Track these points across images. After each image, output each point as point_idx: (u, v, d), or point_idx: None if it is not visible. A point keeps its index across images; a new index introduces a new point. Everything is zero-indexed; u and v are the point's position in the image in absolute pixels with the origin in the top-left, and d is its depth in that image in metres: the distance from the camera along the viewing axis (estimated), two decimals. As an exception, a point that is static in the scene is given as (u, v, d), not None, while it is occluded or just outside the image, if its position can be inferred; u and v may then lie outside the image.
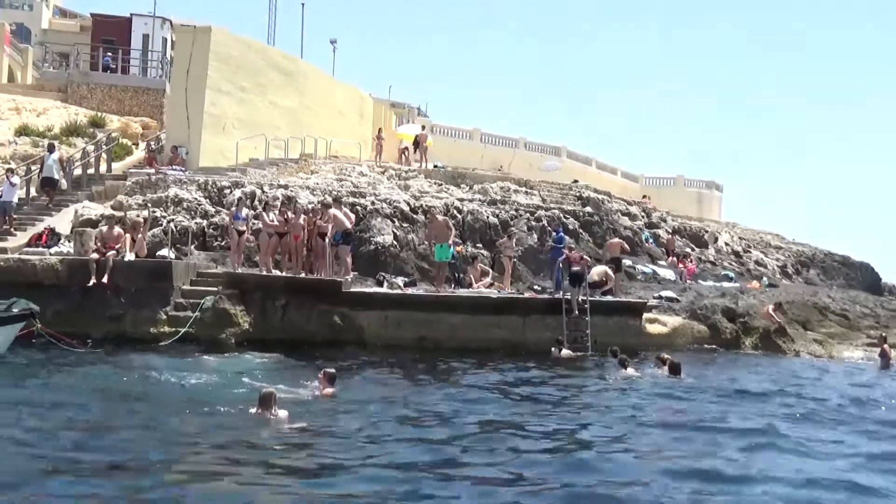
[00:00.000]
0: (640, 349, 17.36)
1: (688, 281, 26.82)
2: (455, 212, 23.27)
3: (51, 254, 18.69)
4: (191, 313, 16.10)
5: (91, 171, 24.82)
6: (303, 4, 31.43)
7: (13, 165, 22.31)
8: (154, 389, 11.21)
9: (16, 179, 20.34)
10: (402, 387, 12.35)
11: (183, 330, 15.57)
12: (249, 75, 27.44)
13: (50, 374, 12.24)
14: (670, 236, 30.32)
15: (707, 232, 35.52)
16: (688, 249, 31.17)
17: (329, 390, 10.57)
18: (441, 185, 28.57)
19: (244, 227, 18.01)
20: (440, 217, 18.63)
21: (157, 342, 15.60)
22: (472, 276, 20.29)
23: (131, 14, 71.88)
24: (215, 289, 16.75)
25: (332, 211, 17.33)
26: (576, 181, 32.89)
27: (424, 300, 17.13)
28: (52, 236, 19.70)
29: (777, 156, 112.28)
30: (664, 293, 20.74)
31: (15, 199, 20.18)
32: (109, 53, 36.75)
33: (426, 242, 20.18)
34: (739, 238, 39.19)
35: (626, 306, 18.25)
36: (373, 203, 22.30)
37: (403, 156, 33.47)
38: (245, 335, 15.91)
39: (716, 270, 31.41)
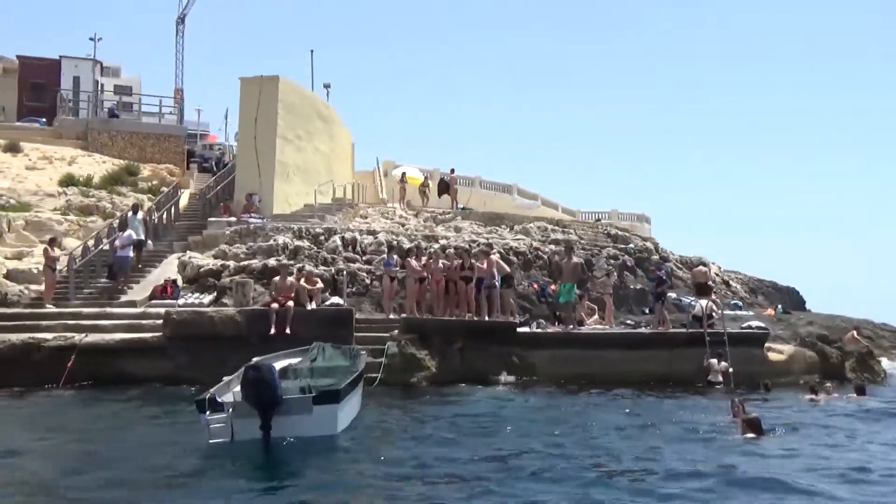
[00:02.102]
0: (763, 377, 18.80)
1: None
2: (540, 253, 24.23)
3: (179, 305, 18.53)
4: (372, 359, 16.36)
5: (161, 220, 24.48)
6: (311, 51, 31.40)
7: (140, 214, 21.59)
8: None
9: (129, 232, 19.89)
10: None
11: (378, 376, 15.82)
12: (302, 123, 27.70)
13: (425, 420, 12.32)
14: (697, 268, 32.14)
15: (703, 264, 37.75)
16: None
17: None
18: (484, 226, 29.51)
19: (396, 274, 18.42)
20: (575, 259, 19.57)
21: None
22: (581, 314, 21.27)
23: (60, 56, 69.81)
24: (385, 334, 17.07)
25: (494, 257, 18.09)
26: (598, 220, 34.44)
27: (586, 338, 17.98)
28: (175, 287, 19.46)
29: (690, 186, 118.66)
30: (753, 323, 22.27)
31: (131, 254, 19.71)
32: (114, 101, 35.85)
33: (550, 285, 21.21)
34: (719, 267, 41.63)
35: (751, 337, 19.64)
36: (475, 246, 22.97)
37: (425, 196, 34.11)
38: (433, 378, 16.30)
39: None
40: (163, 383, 15.88)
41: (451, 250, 20.27)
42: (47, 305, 18.20)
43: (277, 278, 16.93)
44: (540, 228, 30.65)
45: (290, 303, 16.29)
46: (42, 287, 20.65)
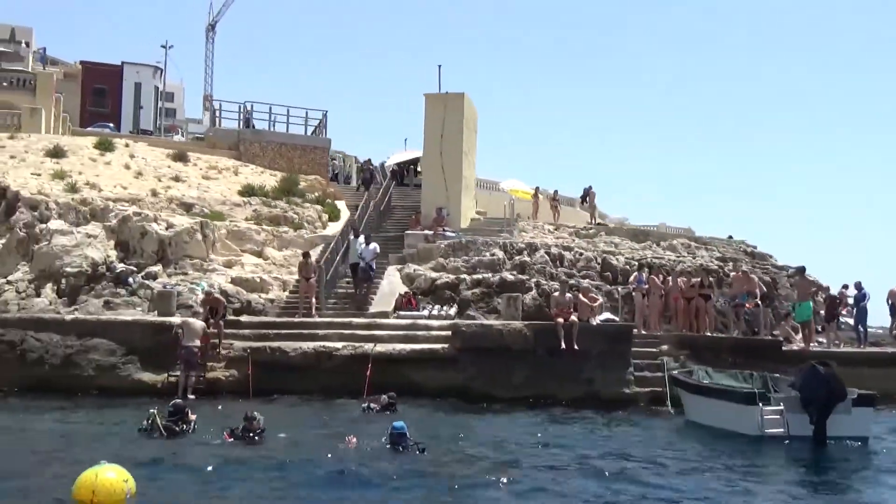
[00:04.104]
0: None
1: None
2: (727, 270, 24.88)
3: (426, 317, 19.16)
4: (648, 374, 16.98)
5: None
6: (439, 66, 31.90)
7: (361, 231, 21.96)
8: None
9: (374, 245, 20.40)
10: None
11: (667, 391, 16.39)
12: (472, 137, 28.37)
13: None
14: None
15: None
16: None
17: None
18: (629, 240, 30.15)
19: (646, 291, 19.07)
20: (809, 277, 20.23)
21: (633, 403, 16.39)
22: (788, 332, 21.90)
23: (123, 62, 70.34)
24: (651, 349, 17.69)
25: (754, 277, 18.78)
26: (730, 236, 35.04)
27: (846, 356, 18.59)
28: (417, 299, 20.08)
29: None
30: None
31: (374, 263, 20.21)
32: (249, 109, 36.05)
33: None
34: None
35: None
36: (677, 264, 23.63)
37: (556, 211, 34.69)
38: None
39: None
40: (453, 395, 16.41)
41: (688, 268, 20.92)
42: (313, 315, 18.75)
43: (557, 294, 17.50)
44: (683, 245, 31.35)
45: (573, 317, 16.86)
46: (269, 295, 21.36)
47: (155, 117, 67.47)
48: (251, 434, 10.41)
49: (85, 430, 12.17)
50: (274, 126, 34.05)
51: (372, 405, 13.59)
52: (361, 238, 20.75)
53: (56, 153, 25.99)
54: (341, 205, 29.81)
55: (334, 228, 26.77)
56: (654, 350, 17.64)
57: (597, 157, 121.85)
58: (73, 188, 23.30)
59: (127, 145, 29.39)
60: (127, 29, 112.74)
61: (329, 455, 10.08)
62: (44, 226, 21.33)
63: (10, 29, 65.80)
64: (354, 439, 10.05)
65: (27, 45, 67.93)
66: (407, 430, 10.15)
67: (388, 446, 10.05)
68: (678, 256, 27.84)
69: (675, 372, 14.70)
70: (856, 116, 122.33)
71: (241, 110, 33.44)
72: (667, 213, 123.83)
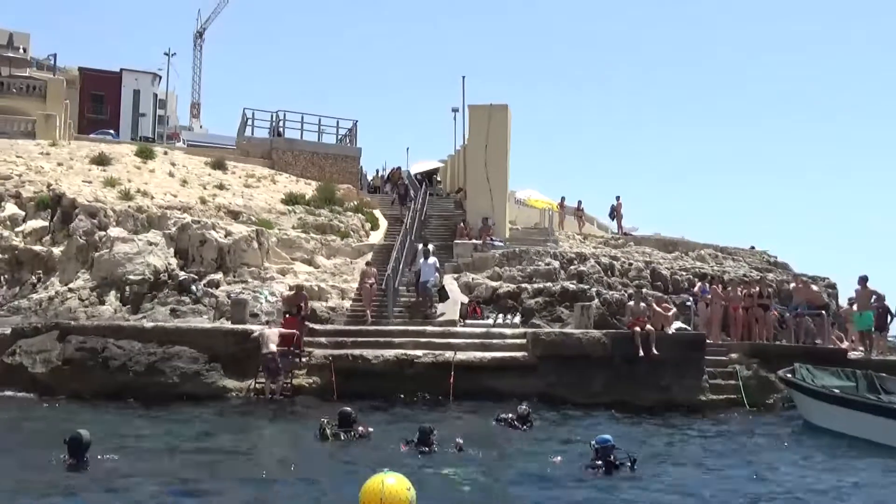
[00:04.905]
0: None
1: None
2: (767, 280, 25.41)
3: (492, 325, 19.48)
4: (721, 381, 17.41)
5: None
6: (463, 77, 32.48)
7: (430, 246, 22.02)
8: None
9: (433, 260, 20.60)
10: None
11: (743, 397, 16.84)
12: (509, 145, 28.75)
13: None
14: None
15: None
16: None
17: None
18: (659, 251, 30.69)
19: (710, 301, 19.50)
20: (870, 287, 20.76)
21: (708, 409, 16.79)
22: (834, 341, 22.44)
23: (121, 69, 70.17)
24: (721, 358, 18.11)
25: (814, 287, 19.28)
26: (752, 247, 35.66)
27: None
28: (482, 308, 20.37)
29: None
30: None
31: (433, 279, 20.38)
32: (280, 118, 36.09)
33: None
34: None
35: None
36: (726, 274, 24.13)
37: (581, 221, 35.17)
38: (784, 399, 17.38)
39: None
40: (534, 401, 16.68)
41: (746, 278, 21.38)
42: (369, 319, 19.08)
43: (632, 303, 17.88)
44: (711, 255, 31.96)
45: (649, 326, 17.24)
46: (329, 303, 21.53)
47: (154, 125, 67.22)
48: (427, 447, 10.58)
49: (266, 440, 12.36)
50: (302, 135, 34.23)
51: (509, 415, 13.57)
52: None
53: (101, 161, 25.99)
54: (378, 213, 30.03)
55: (376, 237, 27.08)
56: (724, 358, 18.05)
57: (598, 162, 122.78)
58: (126, 196, 23.34)
59: (166, 153, 29.43)
60: (120, 36, 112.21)
61: (548, 471, 10.23)
62: (103, 233, 21.39)
63: (7, 34, 65.25)
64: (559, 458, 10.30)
65: (24, 50, 67.38)
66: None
67: (594, 461, 9.93)
68: (720, 266, 28.44)
69: (788, 375, 15.14)
70: (861, 116, 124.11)
71: (273, 119, 33.45)
72: (664, 220, 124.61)
